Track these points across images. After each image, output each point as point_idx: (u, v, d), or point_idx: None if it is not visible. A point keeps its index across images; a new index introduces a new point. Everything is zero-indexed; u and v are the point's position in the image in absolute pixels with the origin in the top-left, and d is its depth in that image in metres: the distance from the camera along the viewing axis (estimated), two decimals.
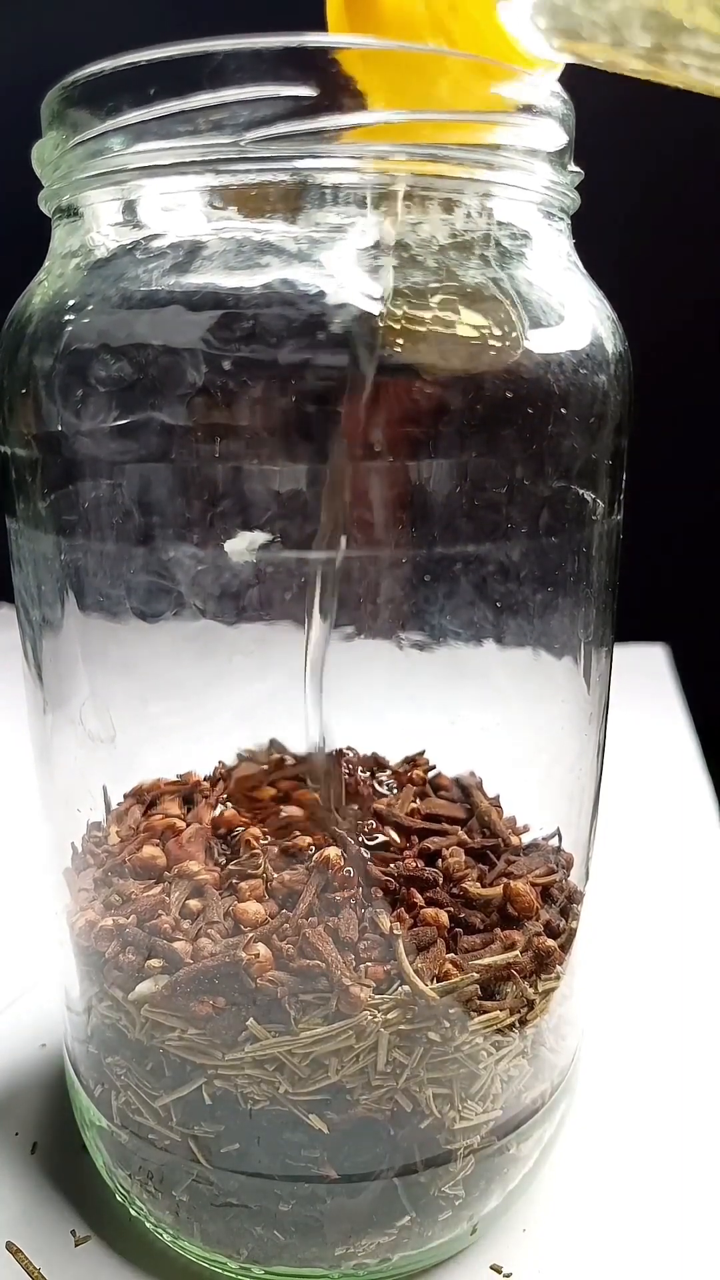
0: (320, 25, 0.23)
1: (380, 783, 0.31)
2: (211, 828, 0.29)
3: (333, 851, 0.26)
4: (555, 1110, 0.29)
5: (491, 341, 0.22)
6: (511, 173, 0.23)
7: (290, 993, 0.24)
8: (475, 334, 0.22)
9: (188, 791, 0.32)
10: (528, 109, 0.23)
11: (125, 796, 0.31)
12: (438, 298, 0.22)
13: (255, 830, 0.29)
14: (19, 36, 0.79)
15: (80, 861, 0.29)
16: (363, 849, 0.28)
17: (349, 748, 0.33)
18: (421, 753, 0.34)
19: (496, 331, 0.22)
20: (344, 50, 0.21)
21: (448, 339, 0.22)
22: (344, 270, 0.22)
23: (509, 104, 0.23)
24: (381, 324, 0.22)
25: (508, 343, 0.22)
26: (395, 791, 0.31)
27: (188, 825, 0.29)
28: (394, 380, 0.22)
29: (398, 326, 0.22)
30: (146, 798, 0.31)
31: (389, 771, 0.33)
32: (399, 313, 0.22)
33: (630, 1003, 0.39)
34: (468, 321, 0.22)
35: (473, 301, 0.23)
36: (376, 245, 0.22)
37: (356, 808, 0.30)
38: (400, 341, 0.22)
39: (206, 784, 0.32)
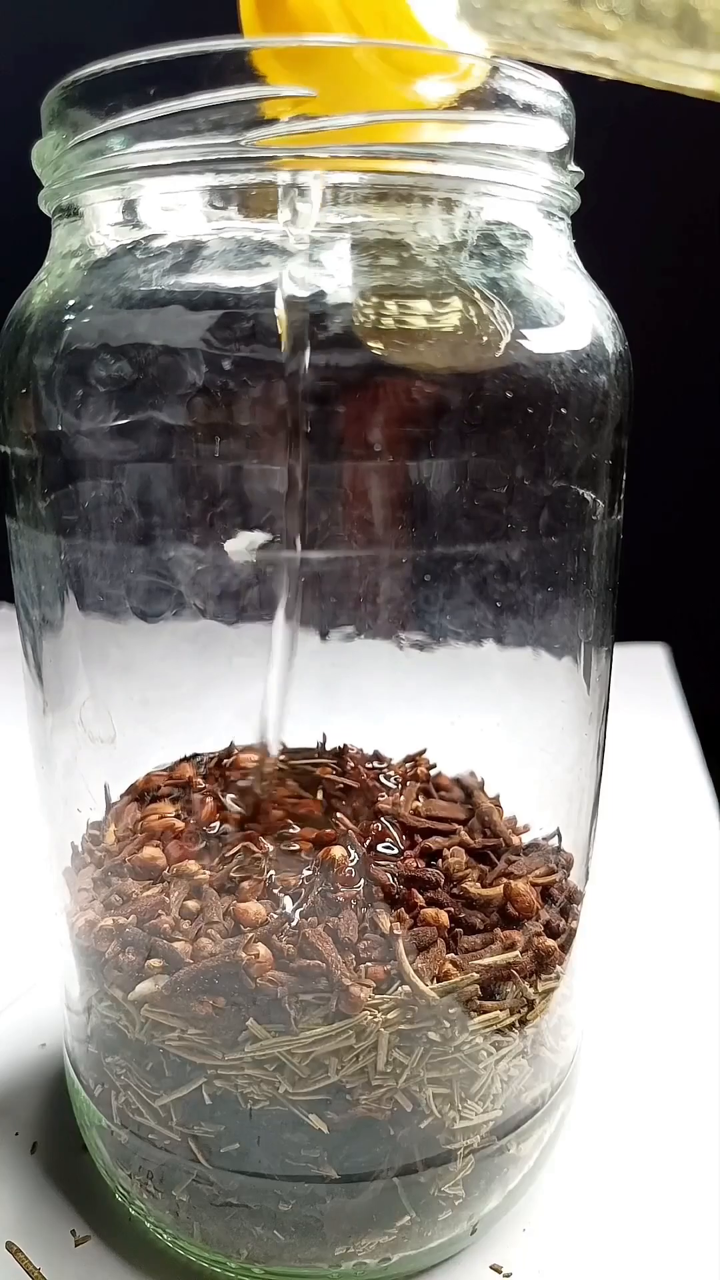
0: None
1: (388, 777, 0.31)
2: (208, 823, 0.29)
3: (337, 850, 0.26)
4: (555, 1110, 0.29)
5: (477, 338, 0.22)
6: (511, 172, 0.23)
7: (290, 993, 0.24)
8: (452, 331, 0.22)
9: (184, 785, 0.31)
10: (528, 108, 0.23)
11: (122, 795, 0.31)
12: (415, 296, 0.22)
13: (254, 827, 0.29)
14: (19, 36, 0.79)
15: (80, 861, 0.29)
16: (371, 850, 0.27)
17: (351, 746, 0.33)
18: (422, 752, 0.33)
19: (476, 329, 0.22)
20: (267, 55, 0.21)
21: (423, 336, 0.22)
22: (344, 270, 0.22)
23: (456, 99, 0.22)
24: (356, 322, 0.21)
25: (487, 339, 0.22)
26: (399, 788, 0.31)
27: (186, 824, 0.29)
28: (388, 379, 0.22)
29: (369, 325, 0.22)
30: (144, 795, 0.31)
31: (389, 766, 0.33)
32: (370, 311, 0.22)
33: (630, 1003, 0.39)
34: (434, 317, 0.22)
35: (449, 299, 0.22)
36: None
37: (361, 806, 0.29)
38: (375, 341, 0.21)
39: (203, 779, 0.32)
